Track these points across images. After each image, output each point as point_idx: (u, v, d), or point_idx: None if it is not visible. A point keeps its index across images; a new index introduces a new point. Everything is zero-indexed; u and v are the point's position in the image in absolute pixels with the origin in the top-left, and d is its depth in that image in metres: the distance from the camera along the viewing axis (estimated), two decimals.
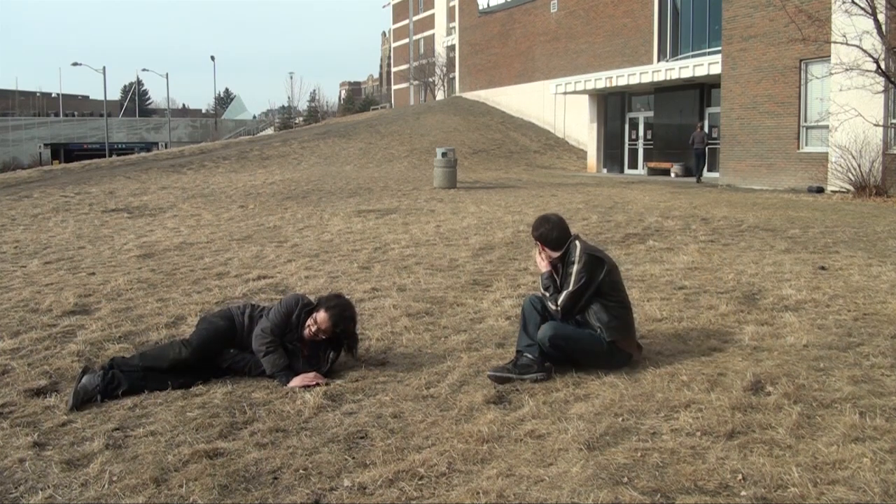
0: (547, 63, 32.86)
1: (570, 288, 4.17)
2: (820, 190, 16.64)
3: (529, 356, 4.10)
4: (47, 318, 5.48)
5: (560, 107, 32.28)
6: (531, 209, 12.24)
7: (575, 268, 4.17)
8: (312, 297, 4.56)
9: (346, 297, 4.54)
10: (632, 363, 4.21)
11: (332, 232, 10.08)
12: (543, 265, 4.34)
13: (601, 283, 4.19)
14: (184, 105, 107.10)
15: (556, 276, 4.31)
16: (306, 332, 4.21)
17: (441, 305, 5.83)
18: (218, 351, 4.22)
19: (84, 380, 3.87)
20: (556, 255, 4.29)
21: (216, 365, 4.21)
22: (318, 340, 4.24)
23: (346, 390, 3.97)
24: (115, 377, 3.92)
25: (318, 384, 4.00)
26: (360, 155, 26.72)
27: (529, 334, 4.20)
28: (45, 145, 65.79)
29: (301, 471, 3.01)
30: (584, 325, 4.24)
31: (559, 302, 4.20)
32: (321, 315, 4.19)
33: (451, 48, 47.62)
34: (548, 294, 4.28)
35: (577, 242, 4.30)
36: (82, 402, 3.77)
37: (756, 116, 19.15)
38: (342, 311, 4.23)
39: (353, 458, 3.13)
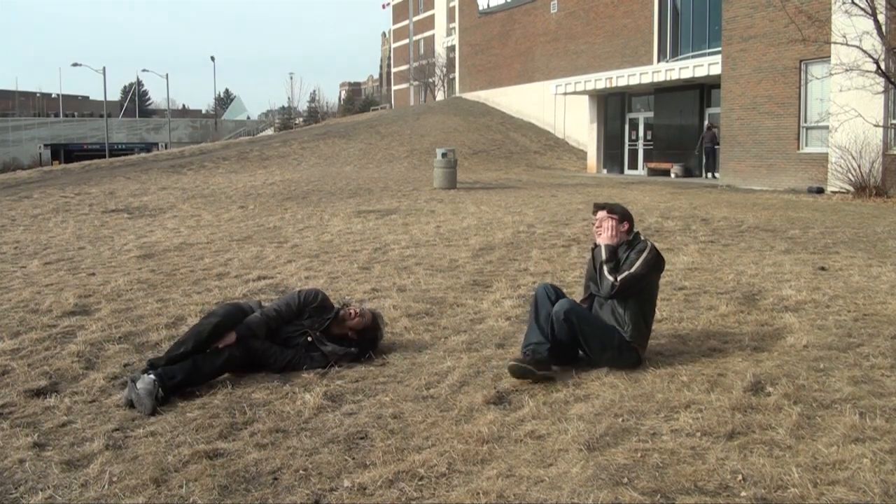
0: (547, 63, 32.87)
1: (634, 271, 4.16)
2: (820, 190, 16.64)
3: (542, 353, 4.06)
4: (47, 318, 5.48)
5: (560, 107, 32.29)
6: (531, 210, 12.24)
7: (645, 255, 4.19)
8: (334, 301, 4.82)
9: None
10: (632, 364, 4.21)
11: (332, 232, 10.08)
12: (614, 239, 4.31)
13: (650, 280, 4.26)
14: (184, 105, 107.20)
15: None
16: (346, 313, 4.50)
17: (441, 306, 5.83)
18: (239, 320, 4.26)
19: (139, 384, 3.72)
20: (628, 237, 4.35)
21: (252, 352, 4.25)
22: (342, 334, 4.49)
23: (346, 391, 3.97)
24: (167, 370, 3.86)
25: (228, 344, 4.12)
26: (360, 155, 26.72)
27: (541, 326, 4.16)
28: (45, 146, 65.79)
29: (301, 471, 3.01)
30: (623, 316, 4.25)
31: (620, 278, 4.16)
32: (367, 310, 4.61)
33: (451, 49, 47.63)
34: (607, 266, 4.23)
35: (643, 237, 4.39)
36: (155, 402, 3.68)
37: (756, 117, 19.16)
38: (377, 321, 4.61)
39: (353, 458, 3.12)
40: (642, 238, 4.38)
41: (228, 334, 4.16)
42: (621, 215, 4.38)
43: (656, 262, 4.26)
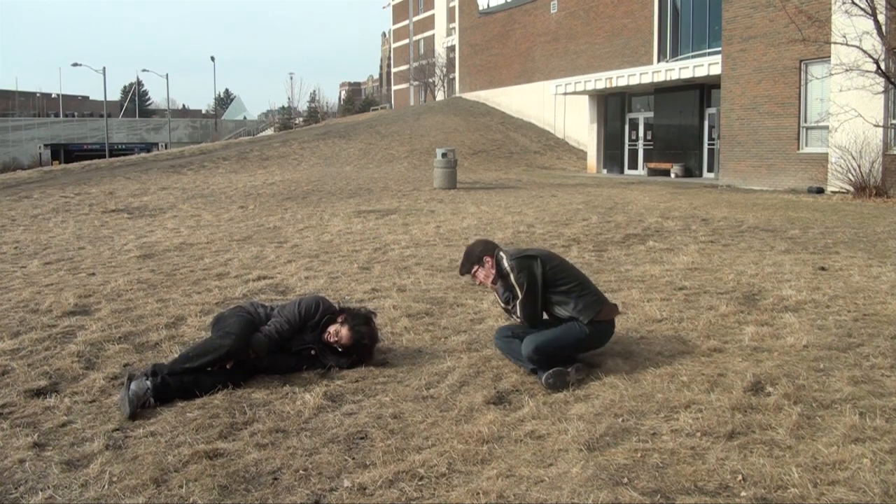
0: (547, 63, 32.87)
1: (521, 297, 4.13)
2: (820, 190, 16.64)
3: (545, 370, 4.02)
4: (47, 318, 5.48)
5: (560, 107, 32.29)
6: (531, 210, 12.24)
7: (513, 277, 4.13)
8: (333, 301, 4.68)
9: (374, 319, 4.56)
10: (631, 360, 4.21)
11: (332, 232, 10.08)
12: (493, 283, 4.27)
13: (545, 276, 4.14)
14: (184, 105, 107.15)
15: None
16: (326, 336, 4.36)
17: (441, 306, 5.83)
18: (250, 340, 4.20)
19: (133, 386, 3.74)
20: (495, 266, 4.24)
21: (254, 364, 4.20)
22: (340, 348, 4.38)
23: (346, 391, 3.97)
24: (166, 381, 3.83)
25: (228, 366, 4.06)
26: (360, 155, 26.73)
27: (523, 360, 4.14)
28: (45, 146, 65.75)
29: (301, 471, 3.01)
30: (558, 322, 4.21)
31: (518, 315, 4.18)
32: (344, 332, 4.34)
33: (451, 49, 47.64)
34: (509, 307, 4.26)
35: (501, 254, 4.26)
36: (137, 408, 3.68)
37: (756, 117, 19.16)
38: (360, 339, 4.37)
39: (353, 458, 3.12)
40: (501, 256, 4.23)
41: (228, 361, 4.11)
42: (478, 259, 4.25)
43: (528, 270, 4.11)
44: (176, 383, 3.86)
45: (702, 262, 7.52)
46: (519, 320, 4.22)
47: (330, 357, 4.35)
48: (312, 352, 4.34)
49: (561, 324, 4.18)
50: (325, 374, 4.22)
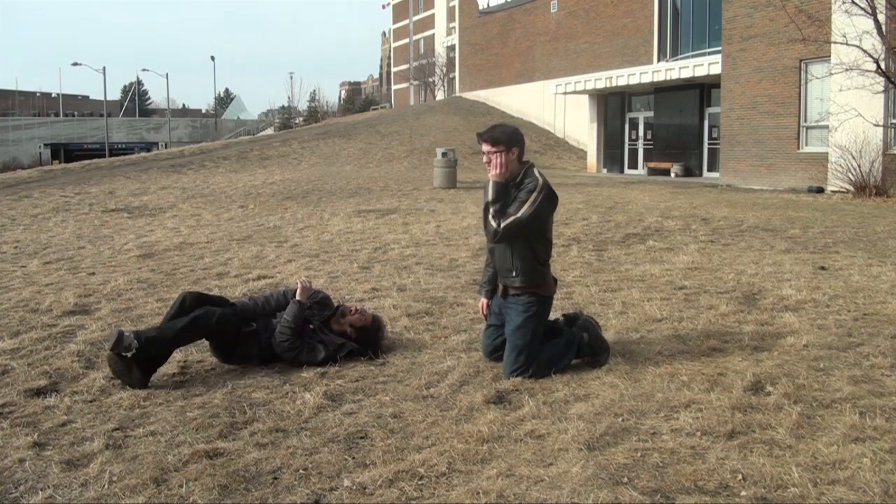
0: (547, 63, 32.88)
1: (521, 216, 3.81)
2: (820, 190, 16.64)
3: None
4: (47, 318, 5.48)
5: (560, 107, 32.29)
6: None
7: (534, 197, 3.81)
8: (335, 301, 4.91)
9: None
10: (631, 360, 4.21)
11: (332, 232, 10.08)
12: (503, 175, 3.88)
13: (546, 221, 4.04)
14: (184, 105, 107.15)
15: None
16: (349, 307, 4.57)
17: (441, 305, 5.83)
18: (245, 320, 4.38)
19: (123, 332, 3.96)
20: (519, 166, 3.94)
21: (246, 338, 4.35)
22: (342, 332, 4.52)
23: (346, 390, 3.97)
24: (150, 338, 4.02)
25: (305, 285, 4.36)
26: (360, 155, 26.72)
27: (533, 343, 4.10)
28: (45, 145, 65.74)
29: (301, 471, 3.01)
30: (512, 261, 3.97)
31: (504, 224, 3.83)
32: (368, 312, 4.63)
33: (451, 48, 47.66)
34: (493, 208, 3.87)
35: (536, 169, 3.95)
36: (120, 347, 3.88)
37: (756, 116, 19.16)
38: (378, 325, 4.61)
39: (353, 458, 3.12)
40: (535, 172, 3.94)
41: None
42: (507, 143, 3.87)
43: (548, 204, 3.89)
44: (156, 348, 4.05)
45: (702, 261, 7.52)
46: (495, 225, 3.88)
47: (329, 333, 4.46)
48: (311, 326, 4.44)
49: (514, 267, 3.98)
50: (324, 373, 4.22)
